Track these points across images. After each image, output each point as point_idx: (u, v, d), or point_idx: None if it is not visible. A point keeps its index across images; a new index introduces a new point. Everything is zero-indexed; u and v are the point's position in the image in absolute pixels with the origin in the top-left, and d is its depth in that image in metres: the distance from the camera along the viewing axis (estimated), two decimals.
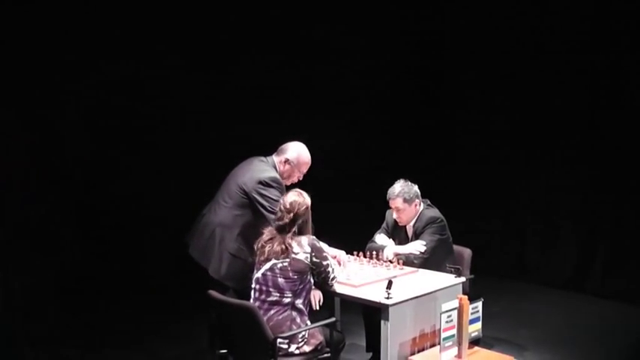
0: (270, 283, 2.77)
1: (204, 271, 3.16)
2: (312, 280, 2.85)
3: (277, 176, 3.21)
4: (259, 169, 3.23)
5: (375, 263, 3.34)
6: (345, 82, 5.21)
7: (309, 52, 4.94)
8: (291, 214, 2.84)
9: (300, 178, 3.32)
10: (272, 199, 3.11)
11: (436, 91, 5.69)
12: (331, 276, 2.89)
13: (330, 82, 5.10)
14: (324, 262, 2.83)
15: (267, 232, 2.86)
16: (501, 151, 5.38)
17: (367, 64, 5.26)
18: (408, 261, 3.35)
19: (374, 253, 3.39)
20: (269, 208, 3.11)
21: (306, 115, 4.89)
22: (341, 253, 3.23)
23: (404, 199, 3.44)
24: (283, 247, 2.80)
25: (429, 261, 3.37)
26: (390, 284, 2.81)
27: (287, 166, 3.26)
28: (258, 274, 2.82)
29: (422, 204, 3.54)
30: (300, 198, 2.86)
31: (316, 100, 5.05)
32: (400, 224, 3.53)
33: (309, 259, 2.77)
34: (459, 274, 3.18)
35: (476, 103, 5.47)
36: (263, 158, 3.31)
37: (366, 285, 3.03)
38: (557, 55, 4.89)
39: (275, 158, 3.30)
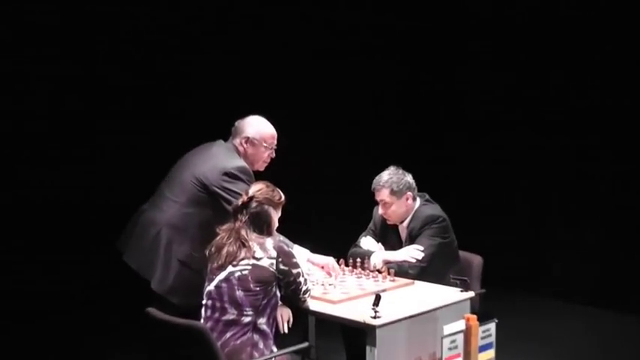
0: (225, 298, 2.81)
1: (144, 282, 3.21)
2: (278, 294, 2.89)
3: (245, 165, 3.26)
4: (222, 156, 3.28)
5: (360, 273, 3.39)
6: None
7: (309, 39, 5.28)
8: (247, 198, 2.89)
9: (273, 156, 3.39)
10: (239, 194, 3.12)
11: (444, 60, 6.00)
12: (303, 289, 2.94)
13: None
14: (294, 271, 2.87)
15: (224, 232, 2.91)
16: (521, 143, 5.61)
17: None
18: (400, 271, 3.41)
19: (358, 260, 3.44)
20: (226, 207, 3.16)
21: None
22: (330, 262, 3.29)
23: (391, 190, 3.50)
24: (240, 245, 2.82)
25: (427, 271, 3.44)
26: (377, 300, 2.83)
27: (250, 146, 3.33)
28: (210, 287, 2.85)
29: (418, 199, 3.62)
30: (267, 188, 2.95)
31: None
32: (389, 223, 3.61)
33: (274, 266, 2.82)
34: (466, 287, 3.23)
35: (494, 88, 5.76)
36: (223, 142, 3.38)
37: (348, 301, 3.07)
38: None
39: (233, 142, 3.36)
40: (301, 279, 2.92)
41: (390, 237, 3.66)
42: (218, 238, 2.92)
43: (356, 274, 3.42)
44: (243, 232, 2.86)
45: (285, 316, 2.99)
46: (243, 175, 3.22)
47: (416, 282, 3.38)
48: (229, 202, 3.14)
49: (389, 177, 3.55)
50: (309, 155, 5.39)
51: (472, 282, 3.47)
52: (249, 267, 2.80)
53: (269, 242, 2.85)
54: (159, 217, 3.25)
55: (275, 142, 3.41)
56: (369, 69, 5.74)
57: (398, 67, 5.90)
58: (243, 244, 2.83)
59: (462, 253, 3.71)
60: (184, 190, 3.26)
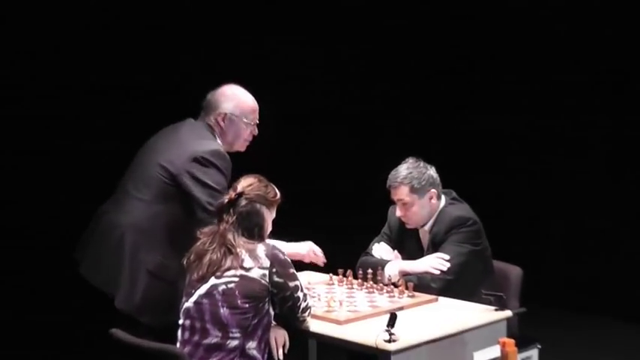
0: (207, 316, 2.74)
1: (106, 299, 3.14)
2: (272, 312, 2.82)
3: (219, 149, 3.17)
4: (192, 138, 3.20)
5: (371, 287, 3.33)
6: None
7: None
8: (234, 194, 2.84)
9: (255, 133, 3.32)
10: (211, 186, 3.06)
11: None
12: (302, 305, 2.87)
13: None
14: (291, 284, 2.80)
15: (205, 236, 2.84)
16: (569, 137, 5.69)
17: None
18: (421, 284, 3.34)
19: (369, 271, 3.37)
20: (205, 202, 3.06)
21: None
22: (308, 247, 3.27)
23: (411, 187, 3.44)
24: (225, 251, 2.76)
25: (454, 284, 3.37)
26: (393, 319, 2.74)
27: (228, 124, 3.26)
28: (188, 303, 2.79)
29: (443, 197, 3.55)
30: (259, 183, 2.89)
31: None
32: (408, 227, 3.54)
33: (267, 278, 2.75)
34: (501, 305, 3.14)
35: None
36: (193, 121, 3.30)
37: (357, 321, 3.00)
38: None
39: (206, 121, 3.28)
40: (299, 294, 2.84)
41: (408, 243, 3.59)
42: (199, 243, 2.83)
43: (367, 288, 3.34)
44: (229, 236, 2.78)
45: (279, 339, 2.89)
46: (218, 160, 3.11)
47: (440, 298, 3.30)
48: (196, 197, 3.08)
49: (408, 171, 3.45)
50: (310, 145, 5.45)
51: (509, 298, 3.39)
52: (236, 279, 2.73)
53: (260, 249, 2.78)
54: (121, 219, 3.16)
55: (257, 115, 3.32)
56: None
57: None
58: (230, 250, 2.76)
59: (496, 264, 3.62)
60: (149, 184, 3.16)
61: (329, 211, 5.35)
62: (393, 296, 3.22)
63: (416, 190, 3.43)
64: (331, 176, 5.52)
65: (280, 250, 2.82)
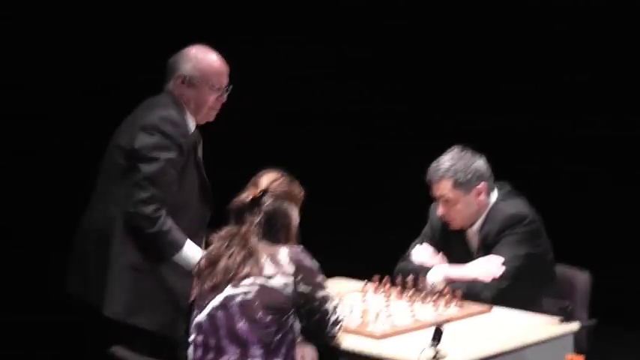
0: (222, 331, 2.69)
1: (95, 313, 3.15)
2: (297, 327, 2.76)
3: (169, 114, 3.16)
4: (147, 109, 3.19)
5: (412, 297, 3.28)
6: None
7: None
8: (259, 191, 2.80)
9: (224, 100, 3.27)
10: (150, 156, 3.07)
11: None
12: (332, 319, 2.81)
13: None
14: (320, 293, 2.75)
15: (221, 239, 2.81)
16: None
17: None
18: (471, 293, 3.28)
19: (409, 278, 3.32)
20: (148, 174, 3.05)
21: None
22: None
23: (455, 181, 3.38)
24: (245, 256, 2.72)
25: (510, 292, 3.30)
26: (438, 334, 2.65)
27: (188, 89, 3.22)
28: (200, 317, 2.74)
29: (495, 191, 3.47)
30: (283, 177, 2.87)
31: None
32: (452, 228, 3.49)
33: (291, 288, 2.68)
34: (567, 316, 3.07)
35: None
36: (154, 96, 3.29)
37: (396, 335, 2.95)
38: None
39: (168, 88, 3.26)
40: (329, 305, 2.78)
41: (454, 245, 3.52)
42: (211, 248, 2.81)
43: (407, 297, 3.27)
44: (252, 239, 2.75)
45: (307, 357, 2.85)
46: (165, 125, 3.10)
47: (493, 308, 3.23)
48: (147, 166, 3.07)
49: (451, 163, 3.38)
50: (339, 137, 5.44)
51: (576, 309, 3.35)
52: (256, 288, 2.67)
53: (284, 253, 2.71)
54: (95, 216, 3.22)
55: (224, 80, 3.26)
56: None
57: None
58: (251, 254, 2.73)
59: (560, 268, 3.56)
60: (112, 175, 3.19)
61: (362, 211, 5.37)
62: (438, 307, 3.16)
63: (460, 185, 3.36)
64: (362, 175, 5.56)
65: (307, 254, 2.76)
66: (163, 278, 3.09)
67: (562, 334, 3.00)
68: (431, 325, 2.78)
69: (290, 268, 2.69)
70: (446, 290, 3.20)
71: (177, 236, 3.10)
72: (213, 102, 3.24)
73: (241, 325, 2.65)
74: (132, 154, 3.11)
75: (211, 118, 3.28)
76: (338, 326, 2.82)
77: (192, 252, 3.10)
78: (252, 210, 2.78)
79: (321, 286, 2.75)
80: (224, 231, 2.81)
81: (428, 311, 3.11)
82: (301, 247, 2.84)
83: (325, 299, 2.76)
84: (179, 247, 3.10)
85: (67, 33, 4.79)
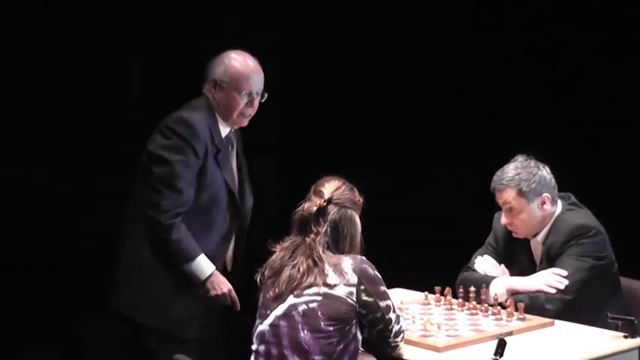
0: (285, 341, 2.71)
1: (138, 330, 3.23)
2: (359, 337, 2.77)
3: (187, 116, 3.17)
4: (178, 109, 3.23)
5: (474, 308, 3.26)
6: None
7: None
8: (324, 200, 2.81)
9: (256, 106, 3.28)
10: (164, 158, 3.10)
11: None
12: (395, 329, 2.81)
13: None
14: (382, 303, 2.75)
15: (284, 249, 2.83)
16: None
17: None
18: (534, 305, 3.26)
19: (471, 290, 3.30)
20: (163, 177, 3.09)
21: None
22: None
23: (519, 190, 3.35)
24: (309, 265, 2.73)
25: (574, 305, 3.28)
26: (501, 346, 2.66)
27: (219, 93, 3.23)
28: (263, 326, 2.76)
29: (559, 203, 3.46)
30: (345, 185, 2.88)
31: None
32: (516, 236, 3.46)
33: (354, 297, 2.70)
34: (632, 330, 3.02)
35: None
36: (198, 97, 3.33)
37: (458, 347, 2.93)
38: None
39: (204, 91, 3.29)
40: (392, 315, 2.79)
41: (518, 256, 3.50)
42: (274, 257, 2.83)
43: (469, 309, 3.25)
44: (319, 249, 2.76)
45: None
46: (180, 126, 3.11)
47: (556, 322, 3.20)
48: (159, 168, 3.11)
49: (516, 172, 3.36)
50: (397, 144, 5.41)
51: None
52: (319, 298, 2.69)
53: (347, 263, 2.73)
54: (122, 217, 3.28)
55: (255, 87, 3.25)
56: None
57: None
58: (316, 263, 2.74)
59: (624, 281, 3.50)
60: (139, 173, 3.23)
61: (425, 222, 5.31)
62: (501, 319, 3.14)
63: (525, 194, 3.34)
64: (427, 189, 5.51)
65: (370, 264, 2.76)
66: (177, 279, 3.10)
67: (626, 350, 2.96)
68: (493, 337, 2.84)
69: (353, 278, 2.70)
70: (509, 302, 3.18)
71: (189, 247, 3.13)
72: (243, 108, 3.23)
73: (304, 335, 2.67)
74: (147, 155, 3.17)
75: (243, 124, 3.29)
76: (400, 337, 2.82)
77: (203, 267, 3.13)
78: (317, 220, 2.78)
79: (384, 297, 2.75)
80: (287, 242, 2.82)
81: (490, 323, 3.09)
82: (363, 257, 2.82)
83: (388, 309, 2.75)
84: (190, 258, 3.13)
85: None
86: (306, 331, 2.66)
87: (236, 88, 3.19)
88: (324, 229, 2.77)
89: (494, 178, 3.41)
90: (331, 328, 2.66)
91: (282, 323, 2.70)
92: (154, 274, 3.14)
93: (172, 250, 3.11)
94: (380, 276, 2.77)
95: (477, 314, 3.18)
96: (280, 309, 2.71)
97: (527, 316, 3.14)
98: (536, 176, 3.37)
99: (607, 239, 3.38)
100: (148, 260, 3.14)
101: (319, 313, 2.67)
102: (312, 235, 2.77)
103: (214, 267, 3.16)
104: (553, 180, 3.42)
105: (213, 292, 3.11)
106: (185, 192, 3.09)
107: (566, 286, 3.24)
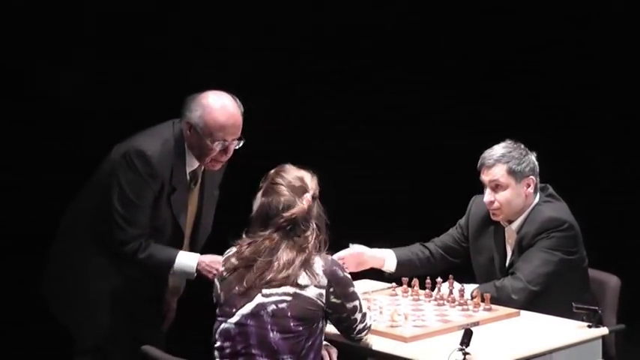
0: (253, 340, 2.71)
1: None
2: (324, 329, 2.81)
3: (147, 150, 3.16)
4: (142, 134, 3.25)
5: (441, 299, 3.32)
6: None
7: None
8: (312, 199, 2.80)
9: (229, 154, 3.23)
10: (127, 195, 3.12)
11: None
12: (359, 327, 2.89)
13: None
14: (349, 305, 2.80)
15: (254, 244, 2.78)
16: None
17: None
18: (501, 296, 3.31)
19: (439, 279, 3.35)
20: (120, 210, 3.14)
21: None
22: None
23: (509, 168, 3.41)
24: (297, 256, 2.72)
25: (541, 298, 3.34)
26: (468, 336, 2.72)
27: (193, 136, 3.21)
28: (227, 324, 2.75)
29: (538, 193, 3.51)
30: (306, 171, 2.86)
31: None
32: (496, 218, 3.50)
33: (324, 299, 2.74)
34: (596, 320, 3.07)
35: None
36: (171, 122, 3.31)
37: (425, 337, 2.98)
38: None
39: (180, 123, 3.27)
40: (357, 315, 2.85)
41: (489, 242, 3.56)
42: (241, 249, 2.78)
43: (435, 299, 3.31)
44: (310, 239, 2.76)
45: (333, 355, 2.89)
46: (140, 162, 3.12)
47: (522, 312, 3.25)
48: (112, 200, 3.13)
49: (507, 150, 3.43)
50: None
51: (605, 313, 3.30)
52: (289, 298, 2.70)
53: (318, 264, 2.74)
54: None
55: (230, 135, 3.20)
56: None
57: None
58: (306, 262, 2.72)
59: (591, 272, 3.56)
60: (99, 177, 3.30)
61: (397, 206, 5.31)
62: (467, 309, 3.18)
63: (514, 173, 3.39)
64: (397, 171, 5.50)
65: (339, 265, 2.80)
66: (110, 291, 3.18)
67: (591, 339, 3.00)
68: (460, 327, 2.90)
69: (324, 280, 2.72)
70: (475, 293, 3.23)
71: (162, 256, 3.15)
72: (216, 154, 3.20)
73: (273, 335, 2.68)
74: (112, 179, 3.18)
75: (214, 169, 3.28)
76: (364, 332, 2.88)
77: (186, 262, 3.15)
78: (305, 219, 2.77)
79: (352, 298, 2.78)
80: (260, 237, 2.76)
81: (457, 314, 3.14)
82: (333, 257, 2.84)
83: (354, 310, 2.80)
84: (170, 264, 3.16)
85: None
86: (275, 332, 2.68)
87: (210, 135, 3.15)
88: (312, 227, 2.78)
89: (483, 155, 3.44)
90: (300, 328, 2.69)
91: (250, 322, 2.70)
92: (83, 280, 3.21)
93: (150, 268, 3.15)
94: (349, 276, 2.81)
95: (443, 305, 3.23)
96: (247, 307, 2.71)
97: (494, 306, 3.19)
98: (525, 157, 3.42)
99: (579, 234, 3.43)
100: (82, 266, 3.20)
101: (289, 313, 2.69)
102: (303, 235, 2.75)
103: (197, 254, 3.18)
104: (538, 167, 3.46)
105: (211, 275, 3.10)
106: (144, 223, 3.14)
107: (533, 278, 3.29)
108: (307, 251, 2.74)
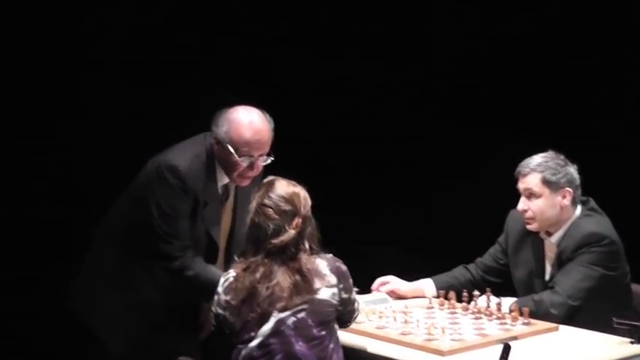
0: (279, 357, 2.69)
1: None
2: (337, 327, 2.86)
3: (179, 165, 3.20)
4: (176, 147, 3.29)
5: (478, 312, 3.31)
6: None
7: None
8: (301, 222, 2.76)
9: (257, 170, 3.23)
10: (164, 210, 3.15)
11: None
12: (355, 314, 2.93)
13: None
14: (353, 297, 2.84)
15: (246, 271, 2.75)
16: None
17: None
18: (539, 310, 3.29)
19: (476, 293, 3.35)
20: (163, 233, 3.17)
21: None
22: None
23: (544, 178, 3.41)
24: (297, 279, 2.70)
25: (580, 312, 3.33)
26: (506, 351, 2.70)
27: (221, 151, 3.24)
28: (248, 350, 2.70)
29: (578, 207, 3.49)
30: (296, 188, 2.84)
31: None
32: (530, 227, 3.49)
33: (337, 297, 2.76)
34: (638, 336, 3.02)
35: None
36: (205, 134, 3.33)
37: (463, 351, 2.97)
38: None
39: (210, 136, 3.30)
40: (356, 305, 2.90)
41: (528, 256, 3.55)
42: (236, 281, 2.74)
43: (472, 313, 3.31)
44: (303, 260, 2.74)
45: None
46: (171, 176, 3.16)
47: (561, 327, 3.22)
48: (153, 214, 3.16)
49: (544, 159, 3.44)
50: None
51: None
52: (306, 306, 2.70)
53: (323, 264, 2.76)
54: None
55: (257, 151, 3.21)
56: None
57: None
58: (303, 276, 2.71)
59: (635, 287, 3.54)
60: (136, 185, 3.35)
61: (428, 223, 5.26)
62: (505, 323, 3.17)
63: (548, 183, 3.38)
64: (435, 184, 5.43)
65: (339, 260, 2.81)
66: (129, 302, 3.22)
67: (632, 356, 2.95)
68: (498, 341, 2.88)
69: (333, 279, 2.74)
70: (513, 307, 3.23)
71: (207, 277, 3.13)
72: (243, 170, 3.21)
73: (299, 346, 2.69)
74: (149, 194, 3.20)
75: (242, 184, 3.28)
76: (355, 317, 2.91)
77: None
78: (296, 241, 2.74)
79: (352, 287, 2.82)
80: (249, 262, 2.73)
81: (494, 327, 3.13)
82: (331, 254, 2.83)
83: (355, 301, 2.84)
84: (215, 284, 3.11)
85: None
86: (300, 343, 2.68)
87: (236, 151, 3.17)
88: (304, 248, 2.76)
89: (522, 163, 3.46)
90: (323, 332, 2.71)
91: (273, 341, 2.69)
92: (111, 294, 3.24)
93: (196, 287, 3.16)
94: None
95: (481, 318, 3.23)
96: (266, 327, 2.69)
97: (532, 320, 3.17)
98: (563, 168, 3.42)
99: (621, 250, 3.41)
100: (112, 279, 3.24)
101: (309, 321, 2.69)
102: (294, 257, 2.73)
103: None
104: (578, 180, 3.45)
105: None
106: (186, 235, 3.16)
107: (573, 293, 3.28)
108: (304, 270, 2.70)
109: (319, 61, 5.09)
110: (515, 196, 3.47)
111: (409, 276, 3.59)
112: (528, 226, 3.45)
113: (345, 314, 2.83)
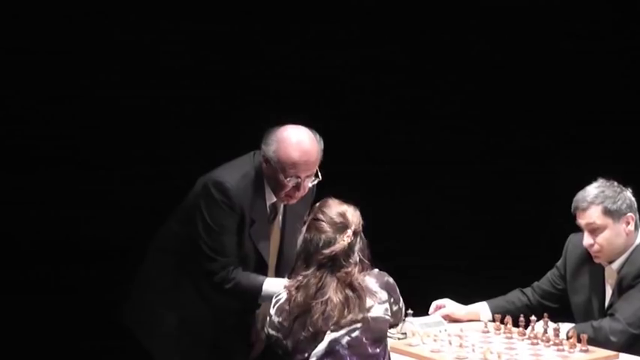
0: None
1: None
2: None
3: (227, 182, 3.22)
4: (226, 165, 3.32)
5: (535, 337, 3.26)
6: None
7: None
8: (353, 235, 2.78)
9: (304, 190, 3.23)
10: (209, 225, 3.18)
11: None
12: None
13: None
14: (401, 305, 2.86)
15: (300, 288, 2.75)
16: None
17: None
18: (598, 337, 3.24)
19: (533, 318, 3.30)
20: (208, 249, 3.19)
21: None
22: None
23: (605, 208, 3.34)
24: (349, 294, 2.71)
25: None
26: None
27: (269, 169, 3.25)
28: None
29: (639, 230, 3.45)
30: (350, 206, 2.86)
31: None
32: (598, 260, 3.44)
33: (389, 312, 2.77)
34: None
35: None
36: (255, 152, 3.37)
37: None
38: None
39: (260, 154, 3.33)
40: (404, 310, 2.97)
41: (587, 283, 3.49)
42: (290, 299, 2.75)
43: (529, 338, 3.26)
44: (354, 274, 2.75)
45: None
46: (219, 194, 3.18)
47: (621, 355, 3.16)
48: (198, 230, 3.19)
49: (600, 190, 3.38)
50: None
51: None
52: (359, 325, 2.70)
53: (371, 281, 2.78)
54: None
55: (303, 173, 3.20)
56: None
57: None
58: (354, 290, 2.72)
59: None
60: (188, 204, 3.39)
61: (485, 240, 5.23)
62: (563, 350, 3.12)
63: (610, 213, 3.33)
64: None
65: (385, 273, 2.82)
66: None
67: None
68: None
69: (384, 295, 2.75)
70: (571, 333, 3.18)
71: (248, 284, 3.17)
72: (289, 190, 3.22)
73: None
74: (196, 212, 3.22)
75: (289, 203, 3.29)
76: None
77: (273, 289, 3.07)
78: (347, 254, 2.76)
79: (400, 298, 2.82)
80: (302, 279, 2.75)
81: (551, 354, 3.09)
82: (375, 268, 2.83)
83: (402, 306, 2.85)
84: (257, 292, 3.17)
85: None
86: None
87: (283, 171, 3.17)
88: (354, 261, 2.77)
89: (577, 197, 3.40)
90: (377, 350, 2.71)
91: None
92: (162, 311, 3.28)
93: (238, 296, 3.20)
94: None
95: (537, 344, 3.18)
96: (320, 348, 2.69)
97: (591, 347, 3.13)
98: (620, 194, 3.37)
99: None
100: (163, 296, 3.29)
101: (364, 339, 2.69)
102: (345, 270, 2.74)
103: (284, 279, 3.14)
104: (635, 203, 3.41)
105: None
106: (231, 251, 3.19)
107: (633, 321, 3.22)
108: (355, 285, 2.71)
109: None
110: (575, 217, 3.40)
111: (465, 298, 3.57)
112: (597, 260, 3.39)
113: (395, 324, 2.88)
